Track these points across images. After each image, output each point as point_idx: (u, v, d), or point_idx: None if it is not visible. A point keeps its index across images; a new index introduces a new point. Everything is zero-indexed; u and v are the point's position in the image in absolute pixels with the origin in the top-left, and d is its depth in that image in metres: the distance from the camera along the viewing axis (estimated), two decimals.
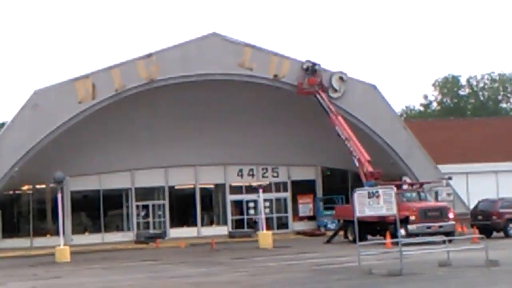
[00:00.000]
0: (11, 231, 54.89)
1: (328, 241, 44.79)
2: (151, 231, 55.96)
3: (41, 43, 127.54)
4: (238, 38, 52.35)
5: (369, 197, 25.88)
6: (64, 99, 48.79)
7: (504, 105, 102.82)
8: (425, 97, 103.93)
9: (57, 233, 44.69)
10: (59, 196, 42.82)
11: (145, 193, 57.34)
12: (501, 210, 42.35)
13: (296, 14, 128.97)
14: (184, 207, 58.07)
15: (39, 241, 53.01)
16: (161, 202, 57.24)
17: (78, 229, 55.52)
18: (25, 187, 55.40)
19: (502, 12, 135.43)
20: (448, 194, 50.43)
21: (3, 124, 67.23)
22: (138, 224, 56.60)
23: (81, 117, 49.16)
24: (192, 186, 57.57)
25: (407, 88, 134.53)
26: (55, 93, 49.08)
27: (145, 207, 57.19)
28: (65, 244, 42.27)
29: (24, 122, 48.64)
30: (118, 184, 56.09)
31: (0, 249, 49.54)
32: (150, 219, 57.04)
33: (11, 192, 55.28)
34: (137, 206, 56.75)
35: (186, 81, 50.59)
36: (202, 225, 57.57)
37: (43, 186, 54.90)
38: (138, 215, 56.77)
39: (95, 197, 55.89)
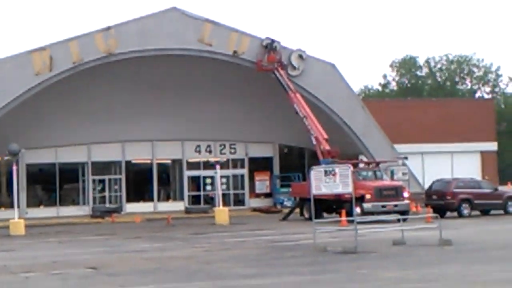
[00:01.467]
0: None
1: (284, 219, 44.97)
2: (107, 205, 55.71)
3: None
4: (198, 14, 52.13)
5: (325, 175, 25.97)
6: (21, 70, 48.22)
7: (460, 86, 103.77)
8: (384, 76, 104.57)
9: (11, 206, 44.28)
10: (14, 168, 42.41)
11: (102, 167, 57.02)
12: (455, 190, 42.80)
13: None
14: (141, 182, 57.90)
15: None
16: (117, 176, 56.99)
17: (33, 202, 55.11)
18: None
19: None
20: (404, 174, 50.83)
21: None
22: (94, 198, 56.33)
23: (38, 89, 48.66)
24: (149, 161, 57.39)
25: (366, 67, 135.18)
26: (12, 65, 48.46)
27: (102, 181, 56.91)
28: (19, 217, 41.97)
29: None
30: (75, 157, 55.72)
31: None
32: (106, 194, 56.80)
33: None
34: (93, 180, 56.46)
35: (145, 55, 50.30)
36: (159, 200, 57.51)
37: None
38: (94, 189, 56.50)
39: (51, 170, 55.49)
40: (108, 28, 49.99)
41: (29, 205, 54.06)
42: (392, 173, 50.23)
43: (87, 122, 53.22)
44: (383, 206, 39.70)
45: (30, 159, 53.91)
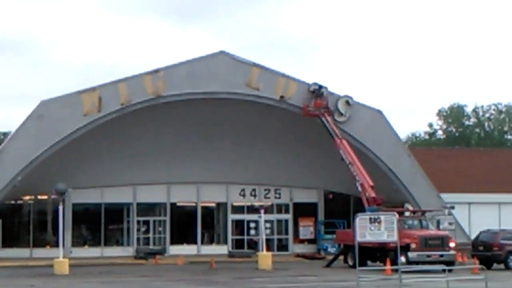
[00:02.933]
0: (11, 240, 54.71)
1: (328, 265, 44.62)
2: (151, 247, 55.78)
3: (50, 55, 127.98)
4: (246, 58, 52.43)
5: (370, 223, 25.79)
6: (70, 111, 48.82)
7: (509, 136, 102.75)
8: (430, 125, 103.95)
9: (56, 245, 44.54)
10: (61, 207, 42.77)
11: (147, 209, 57.26)
12: (502, 242, 42.18)
13: (303, 35, 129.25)
14: (185, 224, 57.95)
15: (39, 252, 52.93)
16: (162, 218, 57.15)
17: (78, 241, 55.45)
18: (27, 197, 55.35)
19: (510, 42, 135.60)
20: (450, 223, 50.30)
21: (7, 133, 67.36)
22: (138, 239, 56.46)
23: (86, 129, 49.17)
24: (193, 204, 57.49)
25: (413, 115, 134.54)
26: (61, 105, 49.09)
27: (146, 222, 57.09)
28: (64, 256, 42.13)
29: (28, 132, 48.64)
30: (120, 198, 56.03)
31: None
32: (151, 235, 56.93)
33: (12, 202, 55.23)
34: (138, 221, 56.66)
35: (192, 98, 50.64)
36: (202, 243, 57.45)
37: (45, 197, 54.89)
38: (138, 230, 56.66)
39: (96, 210, 55.83)
40: (157, 70, 50.50)
41: (74, 244, 54.40)
42: (438, 222, 49.78)
43: (133, 163, 53.58)
44: (429, 256, 39.21)
45: (76, 198, 54.34)
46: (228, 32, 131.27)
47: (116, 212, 56.78)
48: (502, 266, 41.54)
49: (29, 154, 48.19)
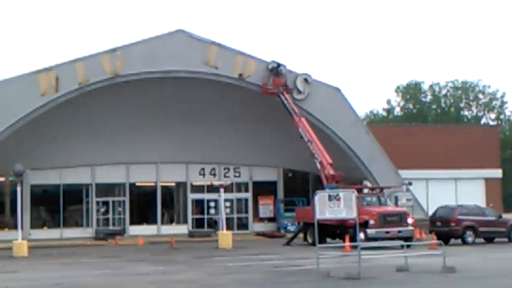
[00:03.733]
0: None
1: (288, 243, 44.83)
2: (111, 227, 55.63)
3: (4, 34, 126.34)
4: (204, 36, 52.26)
5: (329, 200, 25.93)
6: (26, 91, 48.29)
7: (465, 112, 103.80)
8: (388, 102, 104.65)
9: (15, 227, 44.16)
10: (19, 189, 42.41)
11: (106, 189, 57.01)
12: (459, 217, 42.68)
13: (262, 13, 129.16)
14: (144, 204, 57.84)
15: None
16: (121, 198, 56.98)
17: (37, 223, 55.11)
18: None
19: (467, 19, 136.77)
20: (408, 200, 50.78)
21: None
22: (97, 220, 56.27)
23: (43, 110, 48.72)
24: (153, 184, 57.35)
25: (371, 92, 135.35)
26: (17, 85, 48.51)
27: (105, 203, 56.90)
28: (23, 238, 41.84)
29: None
30: (79, 179, 55.75)
31: None
32: (110, 216, 56.76)
33: None
34: (97, 202, 56.44)
35: (150, 77, 50.39)
36: (162, 223, 57.39)
37: (2, 179, 54.29)
38: (98, 211, 56.45)
39: (55, 191, 55.49)
40: (114, 49, 50.15)
41: (32, 226, 54.06)
42: (396, 199, 50.23)
43: (92, 144, 53.27)
44: (387, 232, 39.56)
45: (35, 180, 53.94)
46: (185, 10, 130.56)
47: (75, 193, 56.47)
48: (459, 241, 42.07)
49: None
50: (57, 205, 55.55)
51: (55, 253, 41.34)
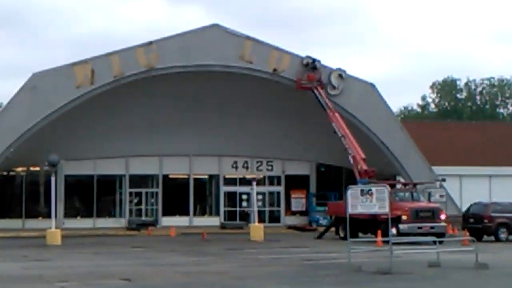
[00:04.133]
0: (4, 212, 54.88)
1: (319, 237, 44.88)
2: (143, 218, 56.06)
3: (43, 26, 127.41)
4: (239, 31, 52.34)
5: (362, 195, 25.86)
6: (63, 83, 48.80)
7: (501, 110, 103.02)
8: (423, 98, 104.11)
9: (49, 216, 44.67)
10: (53, 179, 42.85)
11: (139, 181, 57.45)
12: (492, 214, 42.43)
13: (295, 8, 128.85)
14: (177, 196, 58.15)
15: (31, 223, 53.17)
16: (154, 190, 57.36)
17: (70, 213, 55.68)
18: (20, 169, 55.49)
19: (505, 16, 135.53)
20: (441, 196, 50.55)
21: (0, 105, 67.27)
22: (130, 211, 56.74)
23: (78, 101, 49.17)
24: (186, 176, 57.66)
25: (406, 89, 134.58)
26: (54, 77, 49.05)
27: (138, 194, 57.33)
28: (56, 227, 42.28)
29: (21, 104, 48.61)
30: (113, 170, 56.23)
31: None
32: (143, 207, 57.20)
33: (5, 173, 55.38)
34: (130, 193, 56.89)
35: (185, 71, 50.63)
36: (195, 215, 57.72)
37: (38, 168, 55.04)
38: (131, 202, 56.91)
39: (89, 182, 56.00)
40: (150, 43, 50.42)
41: (66, 215, 54.70)
42: (429, 195, 50.04)
43: (126, 135, 53.67)
44: (419, 228, 39.44)
45: (69, 170, 54.47)
46: (220, 7, 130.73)
47: (109, 184, 56.98)
48: (492, 238, 41.81)
49: (22, 125, 48.20)
50: (91, 195, 56.07)
51: (87, 242, 41.72)
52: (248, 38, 52.04)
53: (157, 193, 57.24)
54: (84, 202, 57.11)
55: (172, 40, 50.91)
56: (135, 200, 57.18)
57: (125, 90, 50.04)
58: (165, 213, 56.89)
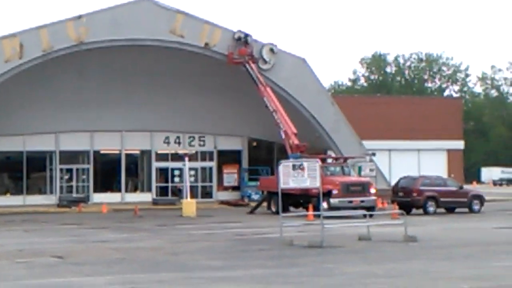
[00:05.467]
0: None
1: (252, 212, 45.12)
2: (74, 195, 55.50)
3: None
4: (170, 4, 52.03)
5: (293, 169, 26.09)
6: None
7: (429, 84, 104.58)
8: (354, 72, 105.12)
9: None
10: None
11: (70, 157, 56.79)
12: (421, 188, 43.17)
13: None
14: (108, 172, 57.71)
15: None
16: (85, 166, 56.81)
17: (0, 190, 54.83)
18: None
19: None
20: (371, 170, 51.19)
21: None
22: (61, 187, 56.09)
23: (7, 76, 48.28)
24: (117, 152, 57.23)
25: (336, 63, 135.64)
26: None
27: (69, 170, 56.70)
28: None
29: None
30: (43, 146, 55.45)
31: None
32: (74, 183, 56.58)
33: None
34: (61, 170, 56.23)
35: (116, 45, 50.08)
36: (126, 191, 57.39)
37: None
38: (61, 178, 56.25)
39: (18, 158, 55.18)
40: (80, 16, 49.72)
41: None
42: (359, 169, 50.61)
43: (56, 111, 52.97)
44: (350, 202, 40.01)
45: None
46: None
47: (39, 160, 56.20)
48: (420, 211, 42.58)
49: None
50: (21, 172, 55.27)
51: (18, 219, 41.22)
52: (179, 11, 51.72)
53: (88, 169, 56.69)
54: (14, 179, 56.27)
55: (102, 14, 50.26)
56: (66, 177, 56.53)
57: (55, 65, 49.31)
58: (96, 190, 56.41)
